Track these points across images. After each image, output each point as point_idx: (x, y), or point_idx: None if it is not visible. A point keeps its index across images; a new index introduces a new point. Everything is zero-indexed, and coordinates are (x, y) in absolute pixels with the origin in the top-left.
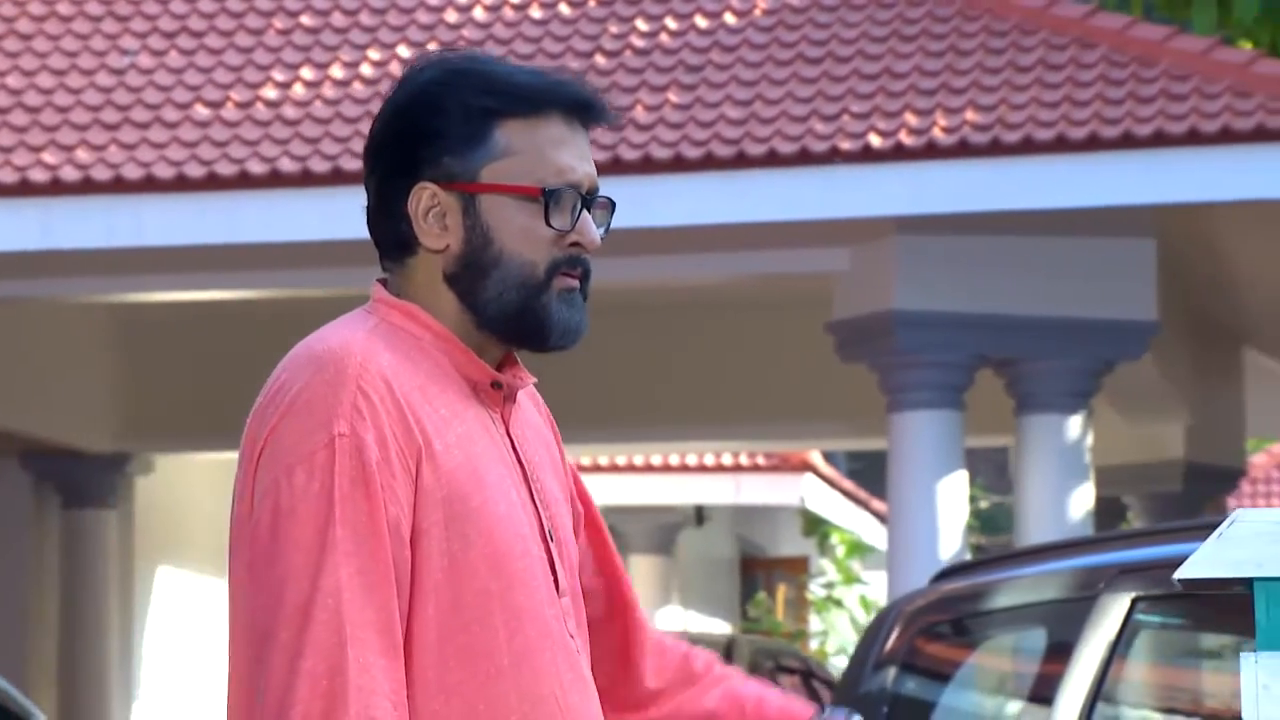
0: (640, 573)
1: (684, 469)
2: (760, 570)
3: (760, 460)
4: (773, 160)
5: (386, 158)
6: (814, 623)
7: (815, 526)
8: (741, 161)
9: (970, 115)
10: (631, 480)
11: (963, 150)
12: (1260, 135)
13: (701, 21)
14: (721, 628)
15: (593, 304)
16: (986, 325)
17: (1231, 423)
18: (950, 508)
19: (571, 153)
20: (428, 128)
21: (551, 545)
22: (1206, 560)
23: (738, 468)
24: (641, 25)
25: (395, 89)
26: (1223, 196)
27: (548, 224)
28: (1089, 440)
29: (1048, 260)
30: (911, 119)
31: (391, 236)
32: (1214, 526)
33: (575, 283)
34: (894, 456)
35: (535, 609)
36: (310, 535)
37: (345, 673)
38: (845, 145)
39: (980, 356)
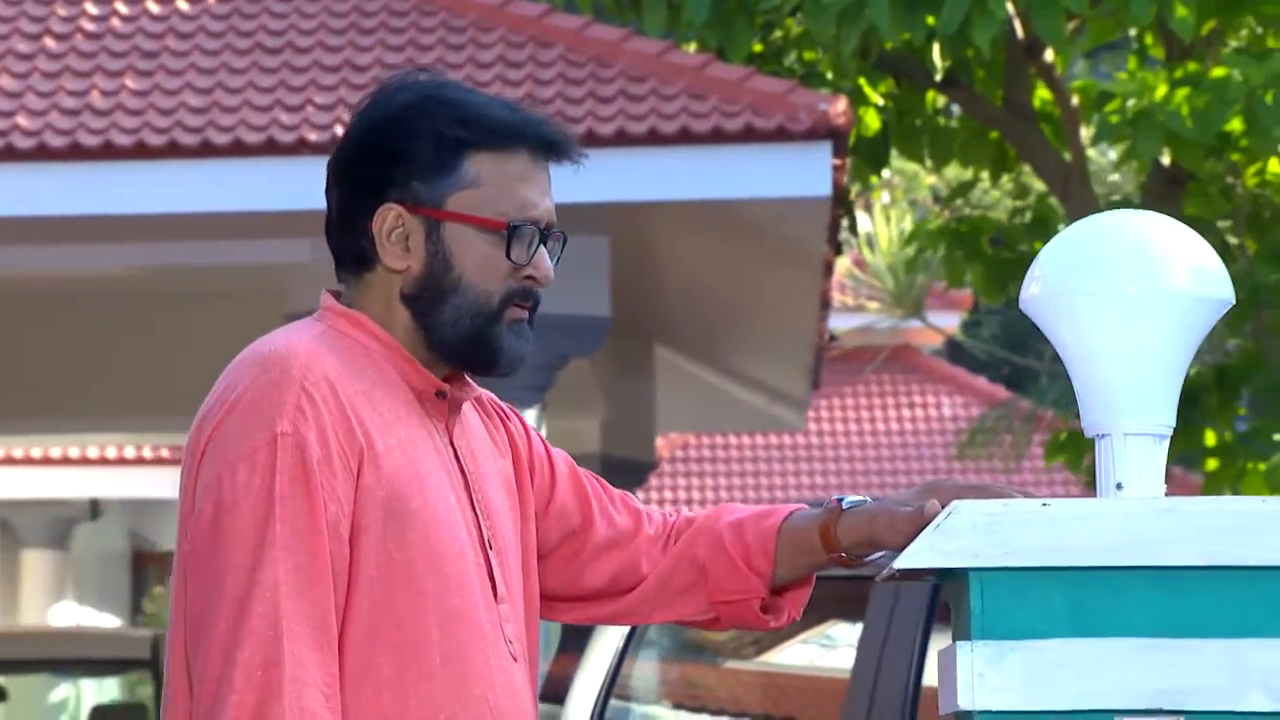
0: (33, 568)
1: (83, 461)
2: (153, 564)
3: (164, 453)
4: (239, 149)
5: (354, 174)
6: None
7: None
8: (207, 150)
9: None
10: (26, 473)
11: None
12: (717, 137)
13: (154, 7)
14: (114, 622)
15: (3, 293)
16: None
17: (643, 417)
18: None
19: (535, 189)
20: (399, 150)
21: (490, 553)
22: (925, 550)
23: (140, 460)
24: (91, 9)
25: (367, 106)
26: (680, 195)
27: (508, 257)
28: (543, 433)
29: None
30: None
31: (351, 250)
32: None
33: (525, 314)
34: None
35: (470, 612)
36: (250, 530)
37: (280, 665)
38: (313, 137)
39: None
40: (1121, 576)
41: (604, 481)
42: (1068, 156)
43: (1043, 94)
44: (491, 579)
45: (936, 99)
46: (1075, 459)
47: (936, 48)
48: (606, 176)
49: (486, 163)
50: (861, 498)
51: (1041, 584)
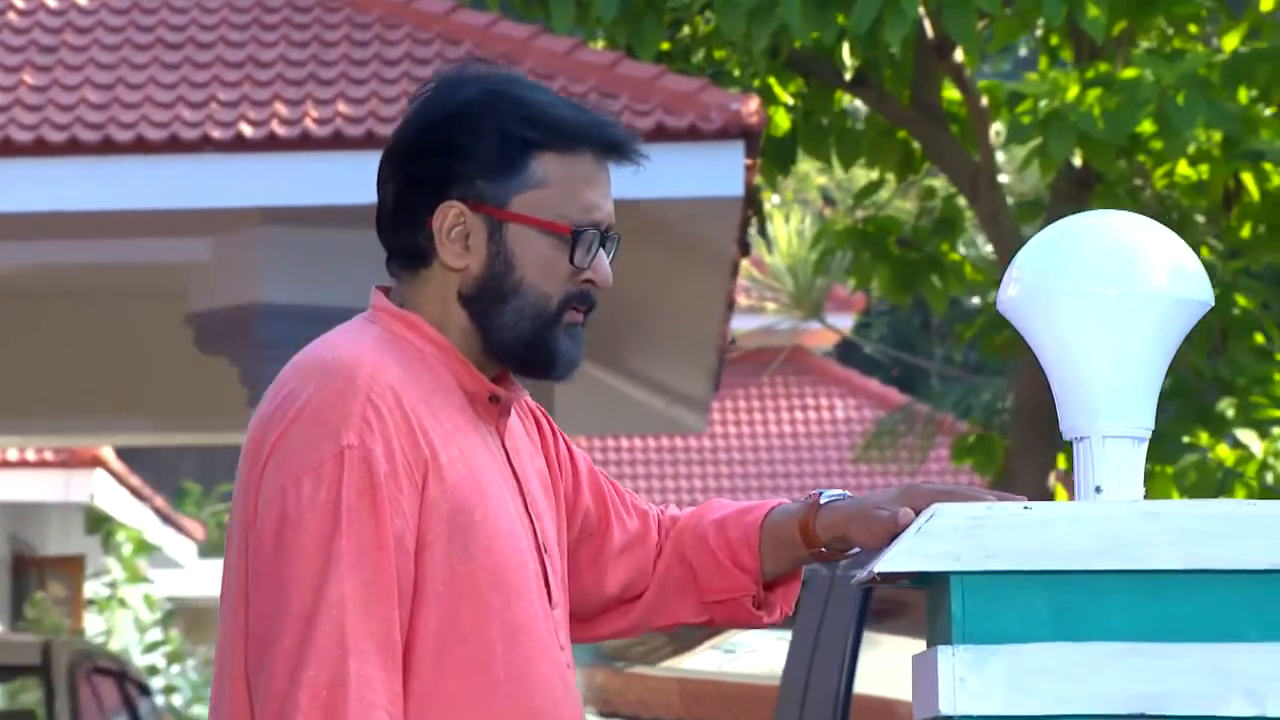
0: None
1: None
2: (33, 569)
3: (48, 455)
4: (141, 146)
5: (414, 167)
6: (95, 622)
7: (100, 524)
8: (108, 147)
9: (342, 108)
10: None
11: (337, 143)
12: None
13: (52, 1)
14: None
15: None
16: (346, 320)
17: None
18: None
19: (598, 190)
20: (464, 146)
21: (545, 558)
22: (905, 554)
23: (23, 463)
24: None
25: (429, 97)
26: None
27: (571, 261)
28: None
29: None
30: (283, 109)
31: (407, 245)
32: None
33: (580, 317)
34: None
35: (531, 622)
36: (315, 545)
37: (346, 684)
38: (216, 134)
39: None
40: (1103, 580)
41: (614, 481)
42: (977, 157)
43: (951, 94)
44: (547, 585)
45: (844, 99)
46: (984, 462)
47: (846, 47)
48: None
49: (553, 163)
50: (840, 492)
51: (1023, 588)
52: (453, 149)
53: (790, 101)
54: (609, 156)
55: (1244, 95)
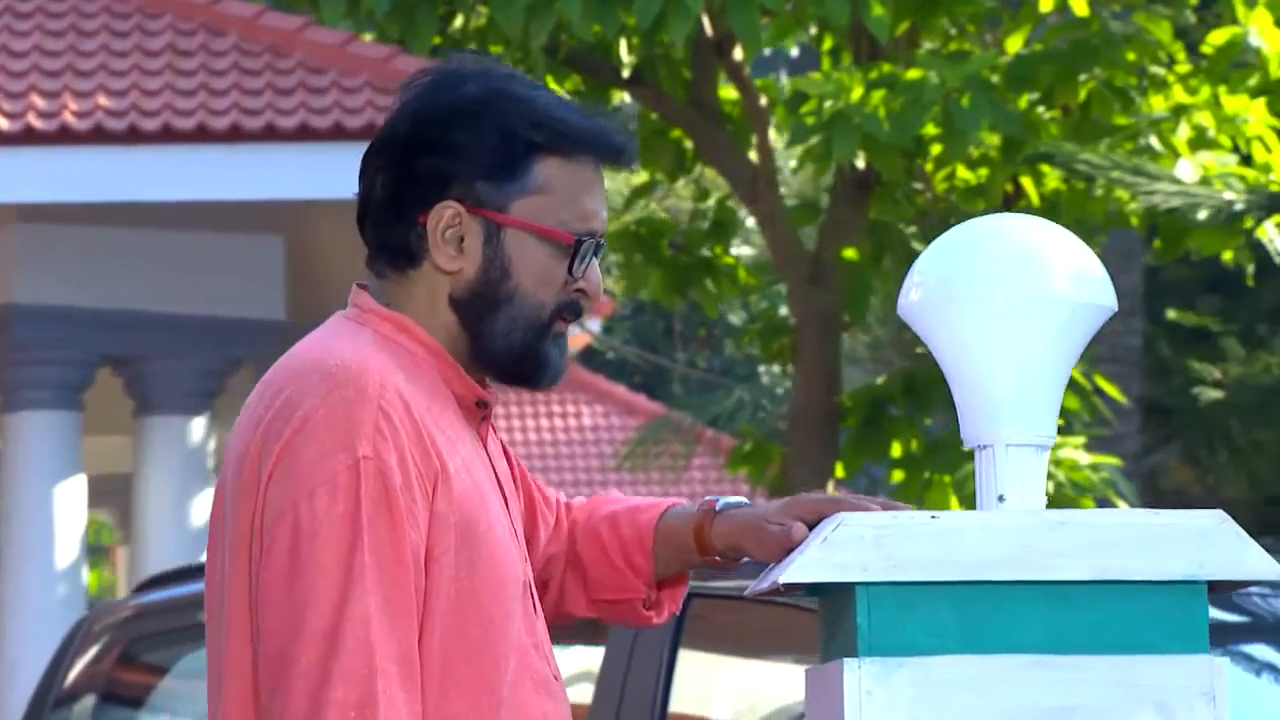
0: None
1: None
2: None
3: None
4: None
5: (409, 162)
6: None
7: None
8: None
9: (103, 100)
10: None
11: (98, 136)
12: None
13: None
14: None
15: None
16: (110, 322)
17: None
18: (68, 513)
19: (596, 198)
20: (465, 146)
21: (527, 567)
22: (811, 564)
23: None
24: None
25: (427, 90)
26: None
27: (569, 271)
28: (212, 443)
29: (179, 256)
30: (39, 101)
31: (396, 243)
32: None
33: (567, 326)
34: (8, 459)
35: (525, 636)
36: (334, 560)
37: (375, 705)
38: None
39: (102, 355)
40: (1011, 591)
41: (530, 474)
42: (755, 158)
43: (729, 94)
44: (532, 594)
45: (616, 98)
46: (759, 470)
47: (624, 44)
48: (288, 173)
49: (555, 168)
50: (738, 499)
51: (930, 599)
52: (452, 147)
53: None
54: (608, 163)
55: (1024, 100)
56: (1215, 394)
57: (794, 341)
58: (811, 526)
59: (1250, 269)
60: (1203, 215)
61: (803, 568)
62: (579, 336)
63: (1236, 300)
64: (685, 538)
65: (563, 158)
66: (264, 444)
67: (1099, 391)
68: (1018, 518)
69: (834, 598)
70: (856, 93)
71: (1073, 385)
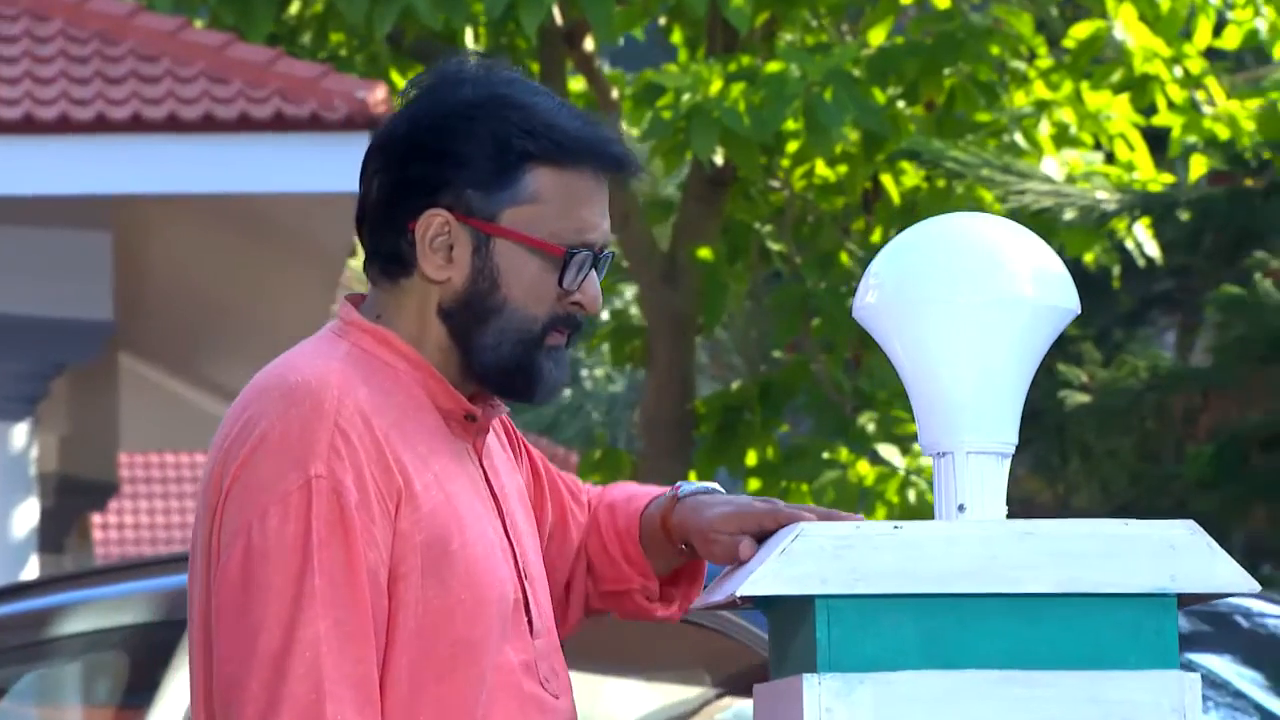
0: None
1: None
2: None
3: None
4: None
5: (402, 167)
6: None
7: None
8: None
9: None
10: None
11: None
12: (244, 125)
13: None
14: None
15: None
16: None
17: (105, 433)
18: None
19: (595, 209)
20: (457, 152)
21: (526, 584)
22: (770, 577)
23: None
24: None
25: (424, 93)
26: (201, 189)
27: (560, 284)
28: (35, 451)
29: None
30: None
31: (388, 249)
32: None
33: (564, 340)
34: None
35: (505, 658)
36: (285, 582)
37: None
38: None
39: None
40: (976, 604)
41: (562, 472)
42: None
43: (578, 86)
44: (528, 612)
45: None
46: (610, 478)
47: (470, 33)
48: (119, 166)
49: (549, 178)
50: (703, 485)
51: (891, 612)
52: (444, 153)
53: None
54: (609, 174)
55: (880, 95)
56: (1082, 398)
57: (645, 345)
58: (759, 539)
59: (1116, 270)
60: (1069, 215)
61: (760, 580)
62: None
63: (1092, 303)
64: (657, 527)
65: (557, 167)
66: (223, 464)
67: None
68: (982, 528)
69: (788, 611)
70: (715, 86)
71: None
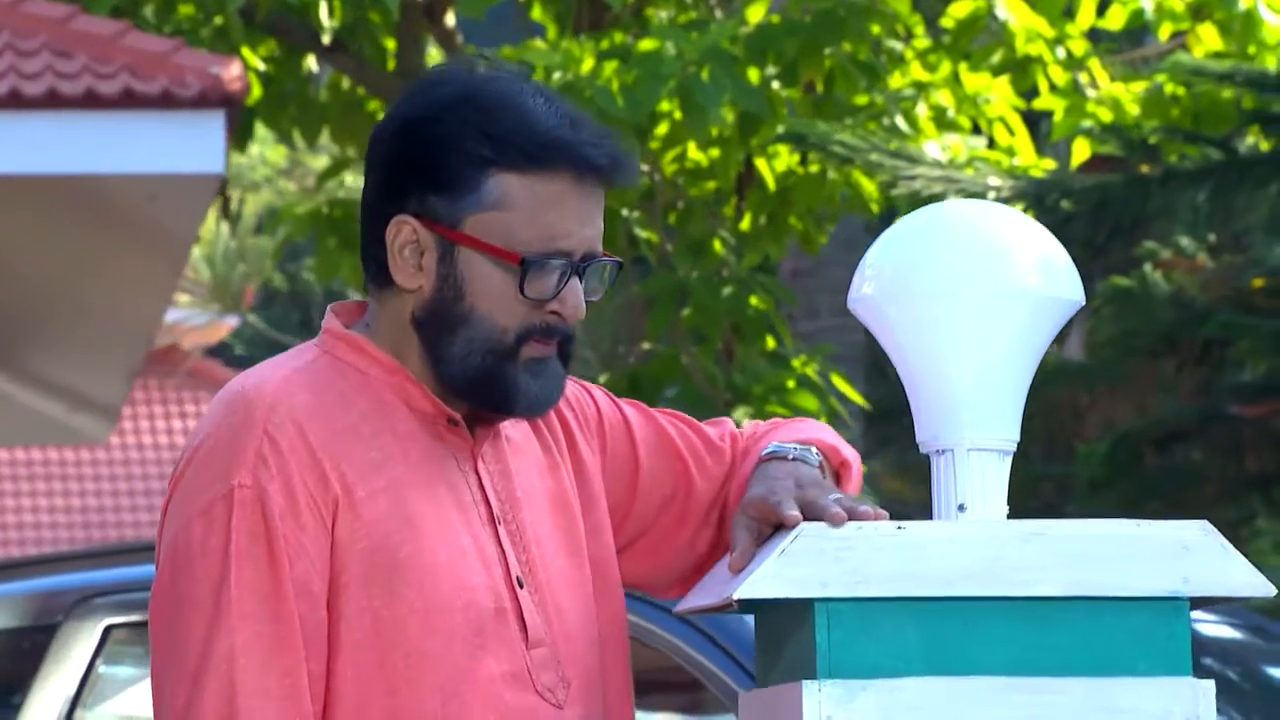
0: None
1: None
2: None
3: None
4: None
5: (380, 172)
6: None
7: None
8: None
9: None
10: None
11: None
12: (90, 102)
13: None
14: None
15: None
16: None
17: None
18: None
19: (570, 216)
20: (422, 157)
21: (522, 591)
22: (767, 579)
23: None
24: None
25: (408, 95)
26: (43, 169)
27: (522, 293)
28: None
29: None
30: None
31: (371, 257)
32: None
33: (546, 350)
34: None
35: (480, 668)
36: (204, 594)
37: None
38: None
39: None
40: (981, 608)
41: (692, 422)
42: None
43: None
44: (522, 621)
45: (309, 65)
46: None
47: (325, 7)
48: None
49: (514, 184)
50: (789, 446)
51: (893, 616)
52: (412, 158)
53: (262, 67)
54: (592, 178)
55: (754, 74)
56: None
57: None
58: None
59: None
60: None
61: (758, 582)
62: (218, 327)
63: None
64: None
65: (522, 173)
66: (172, 476)
67: (836, 393)
68: (988, 528)
69: (782, 614)
70: (587, 64)
71: (809, 384)
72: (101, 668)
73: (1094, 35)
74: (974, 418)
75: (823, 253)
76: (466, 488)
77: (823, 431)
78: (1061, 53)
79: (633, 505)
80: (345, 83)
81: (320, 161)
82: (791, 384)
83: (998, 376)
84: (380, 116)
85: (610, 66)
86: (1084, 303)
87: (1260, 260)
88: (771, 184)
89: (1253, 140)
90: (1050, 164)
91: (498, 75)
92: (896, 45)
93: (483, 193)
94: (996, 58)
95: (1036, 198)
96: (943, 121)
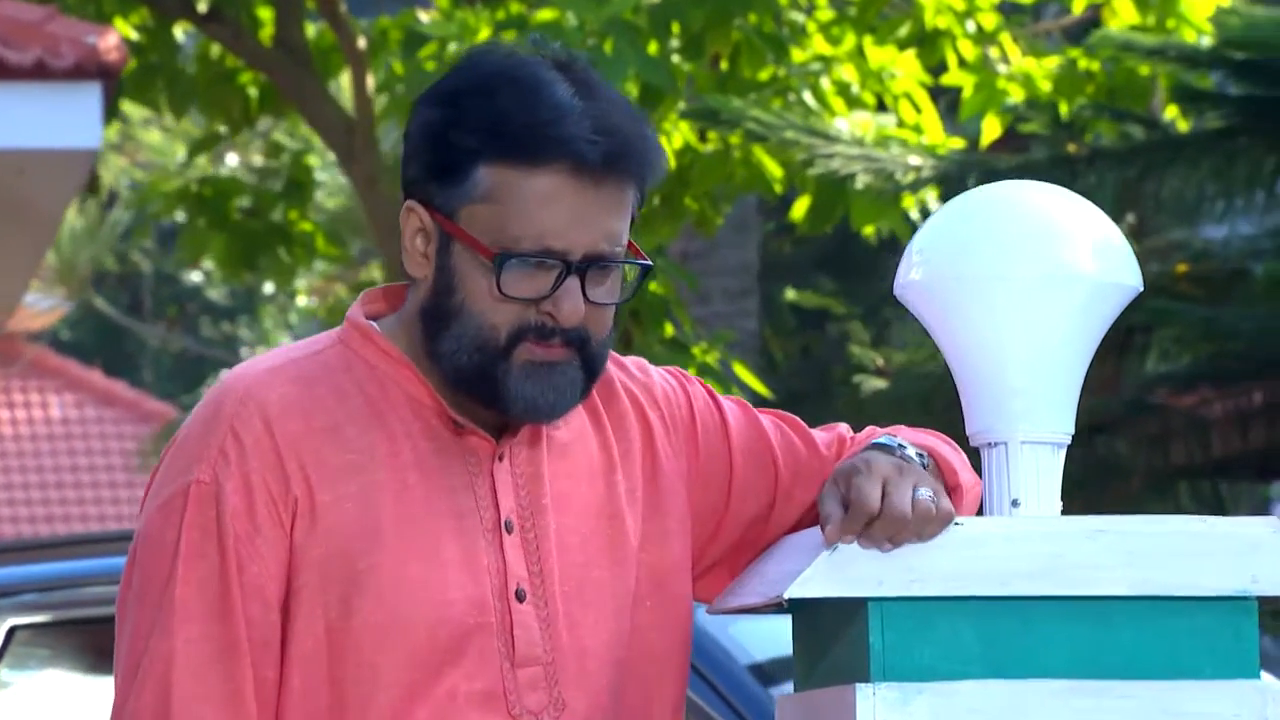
0: None
1: None
2: None
3: None
4: None
5: (403, 154)
6: None
7: None
8: None
9: None
10: None
11: None
12: None
13: None
14: None
15: None
16: None
17: None
18: None
19: (563, 213)
20: (424, 143)
21: (521, 605)
22: (820, 578)
23: None
24: None
25: (448, 72)
26: None
27: (500, 290)
28: None
29: None
30: None
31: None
32: (95, 541)
33: (548, 354)
34: None
35: (440, 686)
36: (154, 591)
37: None
38: None
39: None
40: (1041, 608)
41: (799, 426)
42: (350, 110)
43: (327, 36)
44: (511, 638)
45: (178, 35)
46: None
47: None
48: None
49: (504, 177)
50: (894, 440)
51: (949, 616)
52: (417, 142)
53: (134, 37)
54: (587, 175)
55: (654, 46)
56: (879, 384)
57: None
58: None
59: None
60: (861, 184)
61: (810, 582)
62: (49, 314)
63: (849, 280)
64: None
65: (510, 166)
66: (154, 467)
67: (738, 381)
68: (1048, 525)
69: (826, 613)
70: (484, 35)
71: (710, 372)
72: (4, 671)
73: (1005, 9)
74: (1028, 408)
75: (714, 235)
76: (471, 492)
77: (943, 445)
78: (971, 26)
79: (726, 513)
80: (215, 51)
81: (152, 136)
82: (693, 372)
83: (1052, 365)
84: (253, 89)
85: (508, 37)
86: (1141, 289)
87: (1185, 244)
88: (672, 161)
89: (1171, 117)
90: (958, 142)
91: (529, 60)
92: (799, 17)
93: (472, 184)
94: (904, 31)
95: (959, 178)
96: (847, 97)
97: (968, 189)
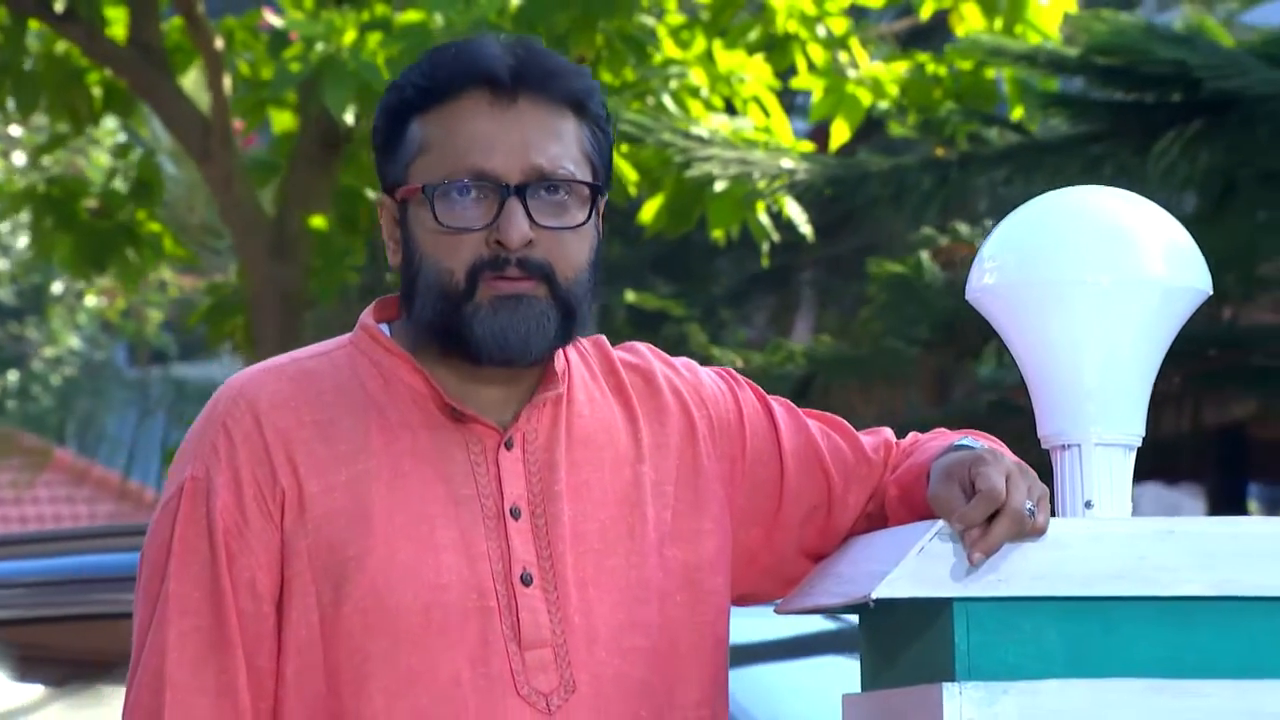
0: None
1: None
2: None
3: None
4: None
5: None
6: None
7: None
8: None
9: None
10: None
11: None
12: None
13: None
14: None
15: None
16: None
17: None
18: None
19: (484, 135)
20: (378, 129)
21: (529, 589)
22: (907, 578)
23: None
24: None
25: None
26: None
27: (435, 219)
28: None
29: None
30: None
31: None
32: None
33: (511, 286)
34: None
35: (442, 672)
36: (153, 586)
37: None
38: None
39: None
40: (1124, 608)
41: (846, 430)
42: (206, 111)
43: (183, 37)
44: (517, 621)
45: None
46: None
47: None
48: None
49: (432, 123)
50: (970, 442)
51: (1034, 616)
52: (375, 137)
53: None
54: (506, 93)
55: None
56: None
57: (248, 323)
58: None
59: (765, 247)
60: (721, 186)
61: (897, 582)
62: None
63: (685, 282)
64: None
65: (435, 109)
66: None
67: None
68: (1128, 526)
69: (903, 612)
70: (350, 36)
71: None
72: None
73: (851, 13)
74: (1100, 412)
75: None
76: (471, 479)
77: (1001, 448)
78: (822, 31)
79: (778, 516)
80: (60, 48)
81: None
82: None
83: (1125, 368)
84: (102, 90)
85: (375, 38)
86: (1210, 293)
87: None
88: None
89: (1017, 120)
90: (808, 146)
91: (465, 40)
92: (649, 20)
93: (409, 143)
94: (754, 35)
95: (835, 181)
96: (698, 101)
97: (833, 193)
